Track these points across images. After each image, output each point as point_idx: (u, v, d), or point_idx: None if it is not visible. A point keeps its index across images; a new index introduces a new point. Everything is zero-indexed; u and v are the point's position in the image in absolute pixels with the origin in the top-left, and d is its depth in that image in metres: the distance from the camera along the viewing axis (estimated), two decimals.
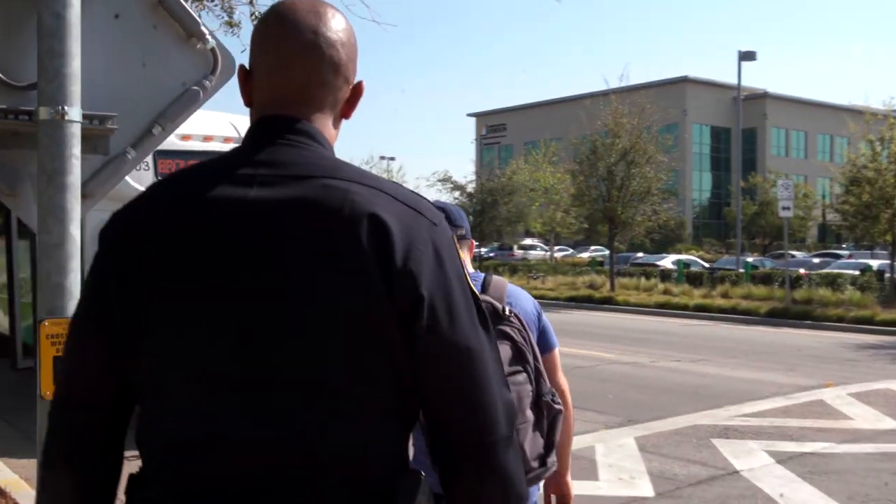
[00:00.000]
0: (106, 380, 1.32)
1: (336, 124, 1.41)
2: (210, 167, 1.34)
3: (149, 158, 8.98)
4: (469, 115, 78.16)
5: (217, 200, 1.26)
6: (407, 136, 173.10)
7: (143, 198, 1.34)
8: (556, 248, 45.00)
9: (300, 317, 1.22)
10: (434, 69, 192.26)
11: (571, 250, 49.93)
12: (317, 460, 1.22)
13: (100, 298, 1.31)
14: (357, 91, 1.42)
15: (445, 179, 32.76)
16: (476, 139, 68.27)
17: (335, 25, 1.37)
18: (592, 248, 47.50)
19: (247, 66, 1.41)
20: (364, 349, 1.23)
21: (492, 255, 44.31)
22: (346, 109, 1.42)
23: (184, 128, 10.13)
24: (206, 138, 9.73)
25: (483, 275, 2.52)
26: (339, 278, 1.21)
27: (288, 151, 1.29)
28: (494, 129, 70.18)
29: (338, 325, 1.21)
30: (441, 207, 2.41)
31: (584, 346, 14.47)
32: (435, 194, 31.24)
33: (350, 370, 1.23)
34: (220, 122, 10.11)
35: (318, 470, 1.22)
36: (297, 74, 1.35)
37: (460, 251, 1.53)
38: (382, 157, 54.76)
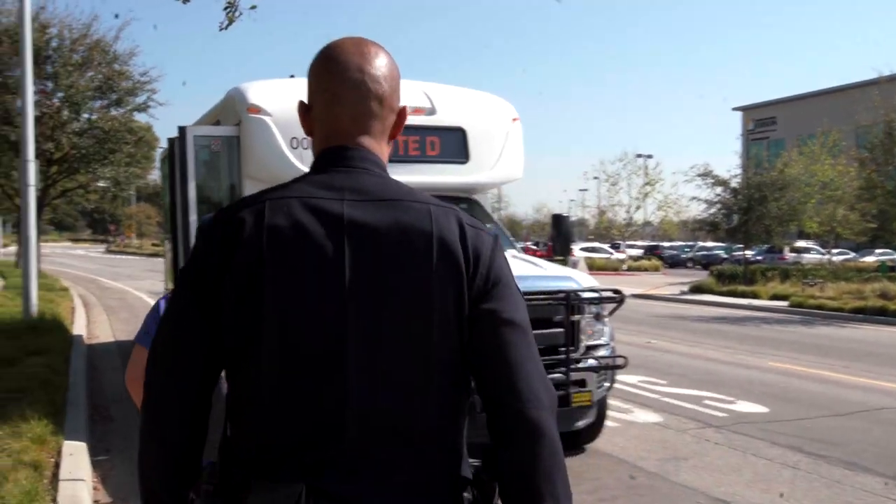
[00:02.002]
0: (200, 366, 1.52)
1: (387, 144, 1.68)
2: (299, 184, 1.58)
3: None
4: (735, 108, 73.55)
5: (320, 213, 1.50)
6: (663, 132, 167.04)
7: (244, 203, 1.56)
8: (835, 250, 39.96)
9: (407, 308, 1.49)
10: (690, 64, 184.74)
11: (853, 253, 44.40)
12: (417, 432, 1.49)
13: (201, 289, 1.52)
14: (401, 115, 1.69)
15: (706, 174, 29.66)
16: (742, 134, 63.63)
17: (378, 63, 1.62)
18: (879, 250, 41.85)
19: (305, 101, 1.68)
20: (450, 335, 1.51)
21: (759, 258, 40.22)
22: (394, 132, 1.69)
23: None
24: None
25: None
26: (436, 277, 1.50)
27: (363, 178, 1.57)
28: (763, 123, 65.16)
29: (434, 314, 1.50)
30: None
31: (892, 378, 11.53)
32: (694, 190, 28.28)
33: (450, 354, 1.52)
34: (410, 92, 8.59)
35: (420, 440, 1.50)
36: (349, 108, 1.60)
37: None
38: (639, 155, 52.26)
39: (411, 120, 8.20)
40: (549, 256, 9.42)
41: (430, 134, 8.32)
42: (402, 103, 1.70)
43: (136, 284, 27.92)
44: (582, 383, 6.77)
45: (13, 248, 28.13)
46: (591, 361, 6.91)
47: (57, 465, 6.25)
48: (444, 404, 1.53)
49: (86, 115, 23.85)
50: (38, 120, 23.10)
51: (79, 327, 15.29)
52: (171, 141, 9.53)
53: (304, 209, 1.51)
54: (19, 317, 14.61)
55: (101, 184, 29.70)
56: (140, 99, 24.98)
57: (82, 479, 5.96)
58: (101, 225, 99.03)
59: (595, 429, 7.39)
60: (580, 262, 18.40)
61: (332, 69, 1.60)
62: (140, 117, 24.95)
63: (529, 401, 1.50)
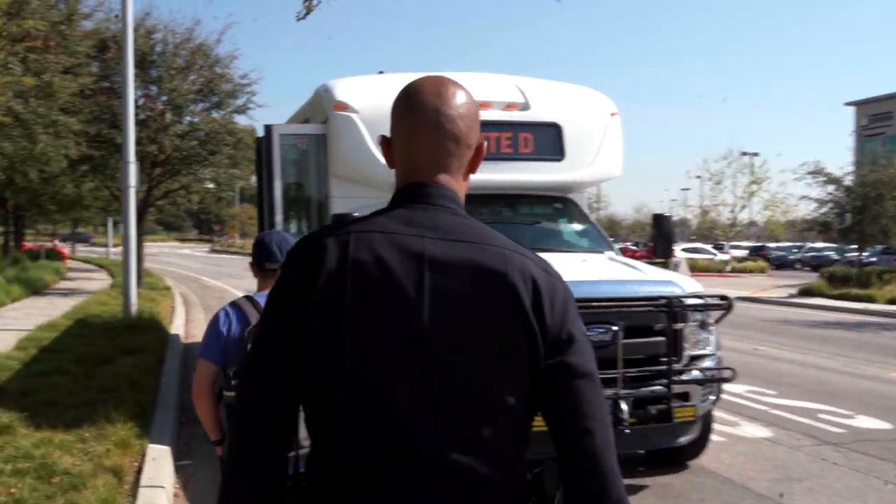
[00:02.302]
0: (286, 386, 1.59)
1: (465, 179, 1.74)
2: (381, 218, 1.63)
3: None
4: (847, 104, 70.14)
5: (402, 250, 1.57)
6: (770, 130, 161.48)
7: (329, 232, 1.62)
8: None
9: (478, 345, 1.55)
10: (798, 59, 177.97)
11: None
12: (485, 464, 1.55)
13: (285, 313, 1.59)
14: (479, 151, 1.74)
15: (817, 172, 28.27)
16: (855, 130, 60.71)
17: (455, 102, 1.68)
18: None
19: (388, 135, 1.76)
20: (518, 376, 1.58)
21: (873, 259, 38.18)
22: (472, 167, 1.74)
23: None
24: (482, 105, 7.89)
25: None
26: (507, 319, 1.56)
27: (442, 216, 1.63)
28: (878, 118, 62.05)
29: (503, 353, 1.56)
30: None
31: None
32: (803, 189, 26.92)
33: (513, 393, 1.58)
34: (502, 87, 8.25)
35: (488, 471, 1.56)
36: (425, 147, 1.67)
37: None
38: (744, 153, 50.42)
39: (504, 116, 7.93)
40: (650, 258, 8.88)
41: (523, 130, 7.95)
42: (479, 139, 1.76)
43: (236, 283, 28.43)
44: (685, 397, 6.27)
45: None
46: (696, 373, 6.40)
47: (139, 471, 6.14)
48: (505, 442, 1.59)
49: (188, 118, 24.32)
50: (142, 123, 23.74)
51: (177, 326, 15.51)
52: (258, 140, 9.44)
53: (387, 244, 1.57)
54: (120, 315, 14.90)
55: (208, 185, 30.34)
56: (240, 101, 25.33)
57: (162, 486, 5.82)
58: (206, 225, 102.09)
59: (699, 445, 6.87)
60: (682, 263, 17.69)
61: (411, 109, 1.68)
62: (240, 119, 25.30)
63: (603, 447, 1.60)
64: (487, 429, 1.56)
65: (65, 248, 47.32)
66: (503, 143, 7.90)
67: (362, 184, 7.48)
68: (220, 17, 75.07)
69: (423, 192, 1.66)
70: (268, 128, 7.78)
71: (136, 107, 23.87)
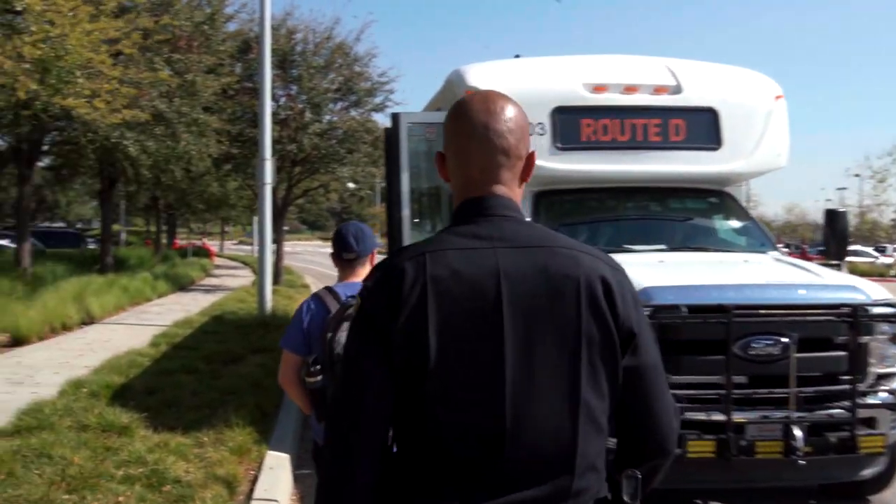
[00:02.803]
0: (381, 400, 1.64)
1: (519, 187, 1.79)
2: (449, 236, 1.71)
3: (545, 120, 6.66)
4: None
5: (475, 262, 1.63)
6: None
7: (405, 254, 1.68)
8: None
9: (557, 345, 1.63)
10: None
11: None
12: (575, 458, 1.63)
13: (372, 336, 1.64)
14: (529, 160, 1.80)
15: None
16: None
17: (504, 117, 1.74)
18: None
19: (442, 151, 1.83)
20: (598, 374, 1.65)
21: None
22: (524, 176, 1.80)
23: (596, 76, 7.38)
24: (628, 89, 7.16)
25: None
26: (584, 318, 1.63)
27: (506, 225, 1.70)
28: None
29: (582, 351, 1.63)
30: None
31: None
32: None
33: (593, 388, 1.65)
34: (651, 69, 7.46)
35: (575, 465, 1.64)
36: (477, 161, 1.73)
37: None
38: None
39: (652, 100, 7.11)
40: (806, 261, 7.85)
41: (674, 116, 7.12)
42: (531, 148, 1.82)
43: None
44: (871, 423, 5.31)
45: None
46: (884, 395, 5.43)
47: (254, 480, 5.75)
48: (588, 438, 1.65)
49: (326, 117, 24.46)
50: (283, 123, 24.04)
51: None
52: (386, 131, 8.98)
53: (461, 259, 1.64)
54: (255, 313, 14.89)
55: (350, 185, 30.58)
56: (378, 99, 25.30)
57: (275, 501, 5.39)
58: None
59: (885, 478, 5.87)
60: (842, 266, 16.21)
61: (460, 126, 1.75)
62: (377, 117, 25.27)
63: (667, 436, 1.76)
64: (575, 430, 1.63)
65: (212, 246, 49.08)
66: (651, 131, 7.11)
67: None
68: (359, 16, 76.05)
69: (483, 205, 1.72)
70: (395, 116, 7.28)
71: (277, 106, 24.28)
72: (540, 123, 6.90)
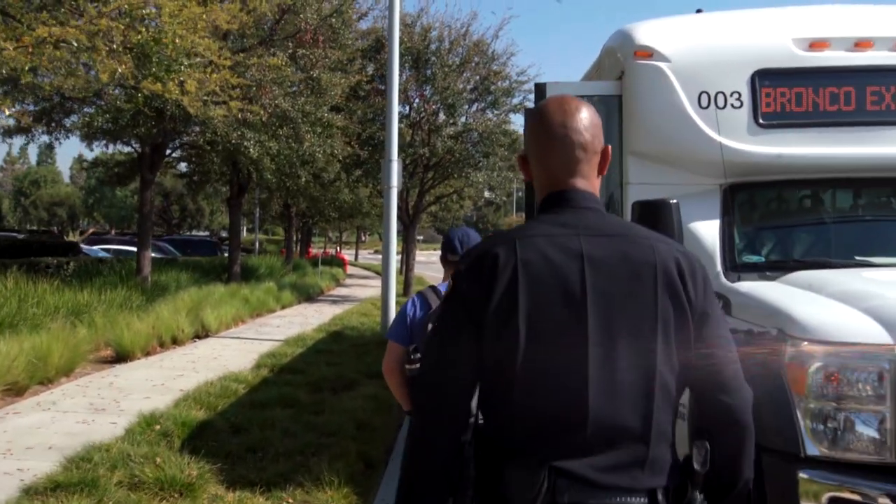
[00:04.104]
0: (469, 371, 1.78)
1: (597, 178, 1.94)
2: (536, 224, 1.86)
3: (742, 87, 5.05)
4: None
5: (562, 248, 1.77)
6: None
7: (496, 240, 1.84)
8: None
9: (636, 325, 1.76)
10: None
11: None
12: (651, 433, 1.75)
13: (465, 315, 1.78)
14: (605, 155, 1.94)
15: None
16: None
17: (579, 116, 1.88)
18: None
19: (523, 154, 2.01)
20: (672, 352, 1.78)
21: None
22: (601, 168, 1.94)
23: (813, 28, 5.42)
24: (859, 44, 5.25)
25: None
26: (661, 300, 1.77)
27: (589, 215, 1.84)
28: None
29: (658, 330, 1.77)
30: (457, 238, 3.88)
31: None
32: None
33: (667, 364, 1.78)
34: (890, 18, 5.48)
35: (652, 441, 1.75)
36: (557, 158, 1.89)
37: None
38: None
39: (892, 59, 5.16)
40: None
41: None
42: (604, 143, 1.95)
43: None
44: None
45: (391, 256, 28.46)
46: None
47: None
48: (662, 409, 1.77)
49: (461, 119, 23.11)
50: (416, 125, 22.80)
51: None
52: (527, 112, 7.28)
53: (549, 244, 1.78)
54: (378, 328, 13.53)
55: (487, 194, 29.16)
56: (516, 100, 23.75)
57: None
58: (484, 234, 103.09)
59: None
60: None
61: (541, 127, 1.91)
62: (515, 119, 23.69)
63: (741, 407, 1.83)
64: (651, 401, 1.75)
65: (346, 255, 48.69)
66: (888, 99, 5.15)
67: (673, 164, 5.12)
68: (497, 12, 73.45)
69: (566, 197, 1.87)
70: (540, 88, 5.63)
71: (410, 107, 23.08)
72: (735, 93, 5.08)
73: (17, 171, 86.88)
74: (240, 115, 14.13)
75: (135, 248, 29.50)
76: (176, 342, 12.49)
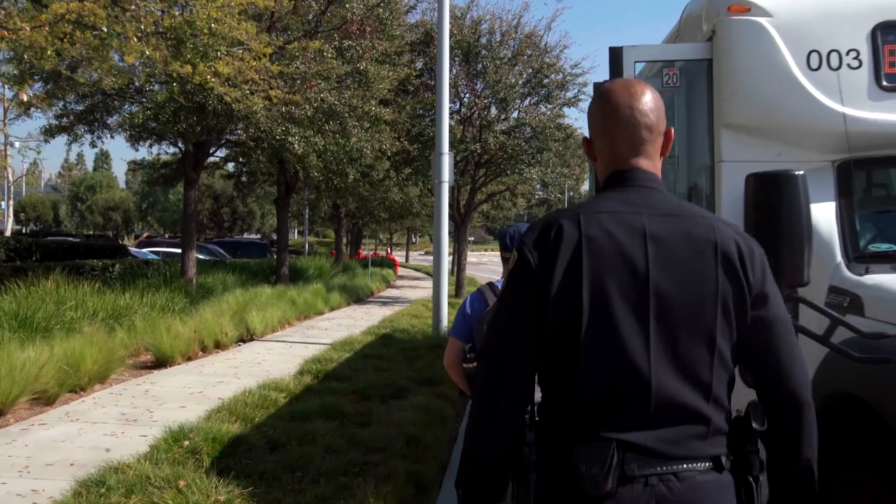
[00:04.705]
0: (532, 341, 1.81)
1: (660, 159, 1.97)
2: (599, 200, 1.88)
3: (860, 44, 4.30)
4: None
5: (625, 225, 1.81)
6: None
7: (560, 214, 1.86)
8: None
9: (700, 304, 1.79)
10: None
11: None
12: (710, 407, 1.80)
13: (530, 286, 1.80)
14: (668, 137, 1.98)
15: None
16: None
17: (644, 98, 1.91)
18: None
19: (587, 136, 2.03)
20: (731, 328, 1.82)
21: None
22: (664, 150, 1.97)
23: None
24: None
25: None
26: (721, 278, 1.81)
27: (651, 195, 1.87)
28: None
29: (718, 307, 1.80)
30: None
31: None
32: None
33: (727, 341, 1.81)
34: None
35: (712, 415, 1.80)
36: (623, 139, 1.91)
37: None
38: None
39: None
40: None
41: None
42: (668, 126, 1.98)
43: None
44: None
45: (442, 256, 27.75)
46: None
47: None
48: (720, 381, 1.81)
49: (514, 114, 22.32)
50: (467, 120, 22.09)
51: None
52: (595, 89, 6.52)
53: (612, 221, 1.81)
54: (430, 331, 12.85)
55: (539, 191, 28.33)
56: (570, 93, 22.89)
57: None
58: None
59: None
60: None
61: (607, 109, 1.93)
62: (570, 113, 22.87)
63: (799, 383, 1.86)
64: (710, 374, 1.79)
65: (396, 257, 48.15)
66: None
67: (775, 137, 4.34)
68: (550, 3, 71.70)
69: (630, 177, 1.90)
70: (615, 52, 4.87)
71: (461, 103, 22.37)
72: (852, 51, 4.28)
73: (73, 177, 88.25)
74: (283, 109, 13.60)
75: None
76: (219, 346, 11.96)
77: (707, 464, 1.76)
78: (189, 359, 10.88)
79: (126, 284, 14.09)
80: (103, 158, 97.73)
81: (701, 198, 5.27)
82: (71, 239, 34.20)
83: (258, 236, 58.85)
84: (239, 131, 14.67)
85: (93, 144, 15.06)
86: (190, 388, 8.67)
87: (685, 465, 1.74)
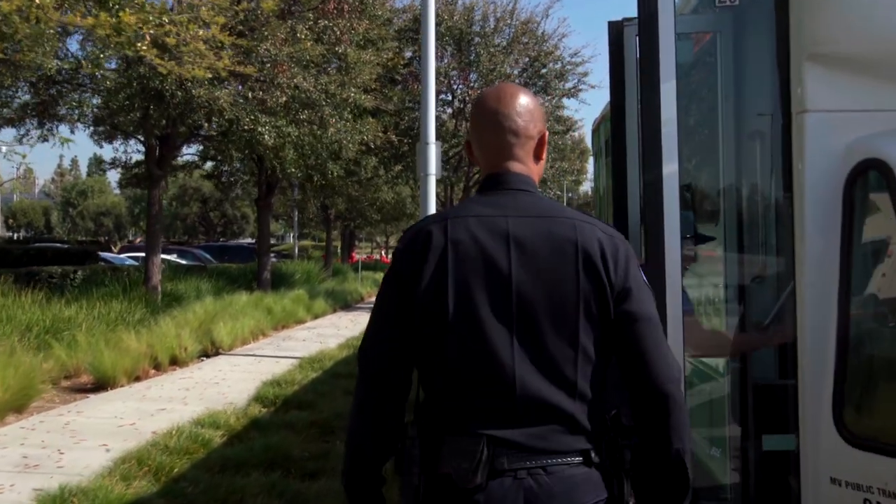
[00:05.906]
0: (404, 344, 1.85)
1: (536, 163, 2.01)
2: (471, 204, 1.93)
3: None
4: None
5: (490, 228, 1.84)
6: None
7: (430, 220, 1.91)
8: None
9: (562, 303, 1.81)
10: None
11: None
12: (569, 398, 1.81)
13: (400, 292, 1.85)
14: (542, 139, 2.00)
15: None
16: None
17: (513, 102, 1.96)
18: None
19: (468, 140, 2.07)
20: (595, 326, 1.83)
21: None
22: (539, 152, 2.00)
23: None
24: None
25: None
26: (581, 276, 1.82)
27: (520, 197, 1.90)
28: None
29: (580, 305, 1.81)
30: None
31: None
32: None
33: (590, 338, 1.83)
34: None
35: (569, 405, 1.81)
36: (492, 142, 1.96)
37: None
38: None
39: None
40: None
41: None
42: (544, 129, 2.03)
43: None
44: None
45: None
46: None
47: None
48: (586, 378, 1.83)
49: None
50: (460, 113, 20.71)
51: None
52: (611, 33, 5.01)
53: (478, 225, 1.85)
54: None
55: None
56: (569, 84, 21.53)
57: None
58: None
59: None
60: None
61: (478, 114, 2.00)
62: (569, 104, 21.48)
63: (663, 378, 1.83)
64: (575, 372, 1.81)
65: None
66: None
67: (888, 76, 2.91)
68: None
69: (501, 180, 1.94)
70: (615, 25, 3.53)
71: (453, 94, 20.99)
72: None
73: (65, 182, 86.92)
74: (251, 96, 12.22)
75: (170, 257, 27.93)
76: (176, 363, 10.56)
77: (576, 458, 1.81)
78: (138, 378, 9.47)
79: (81, 293, 12.70)
80: (97, 164, 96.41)
81: (755, 177, 3.88)
82: (59, 245, 32.81)
83: (251, 240, 57.43)
84: (202, 121, 13.21)
85: (43, 138, 13.59)
86: (122, 419, 7.24)
87: (554, 460, 1.79)
